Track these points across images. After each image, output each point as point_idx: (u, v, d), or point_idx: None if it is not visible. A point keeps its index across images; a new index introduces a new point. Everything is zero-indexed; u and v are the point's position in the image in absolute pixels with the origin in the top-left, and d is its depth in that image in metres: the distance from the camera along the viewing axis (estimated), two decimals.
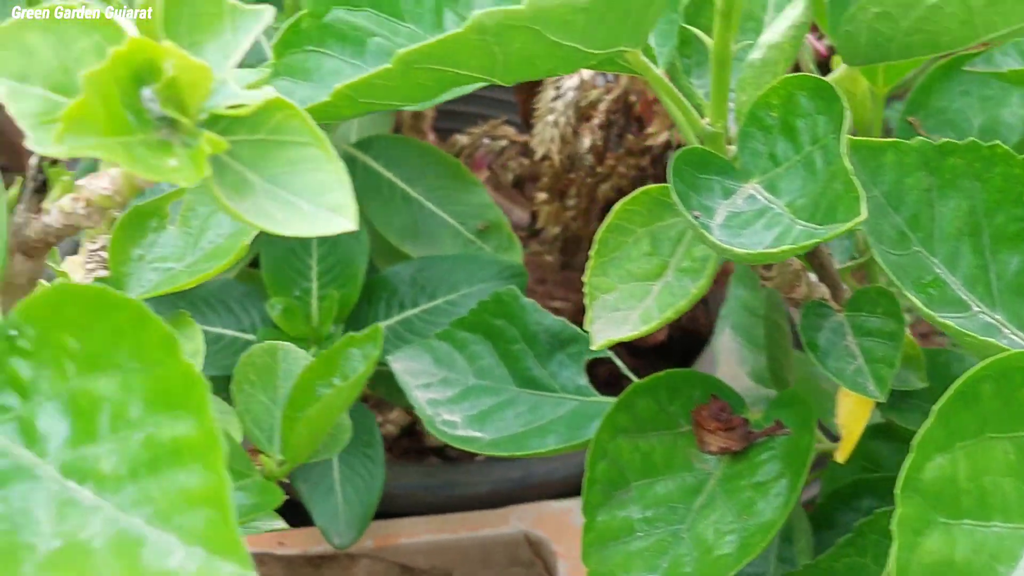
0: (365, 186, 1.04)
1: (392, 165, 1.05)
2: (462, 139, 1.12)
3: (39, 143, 0.44)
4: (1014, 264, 0.60)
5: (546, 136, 0.97)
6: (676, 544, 0.72)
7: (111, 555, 0.42)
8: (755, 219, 0.62)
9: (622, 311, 0.67)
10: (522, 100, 1.13)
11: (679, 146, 1.00)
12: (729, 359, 0.98)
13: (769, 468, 0.73)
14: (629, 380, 0.83)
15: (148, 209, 0.69)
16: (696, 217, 0.61)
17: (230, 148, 0.47)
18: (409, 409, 1.19)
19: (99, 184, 0.49)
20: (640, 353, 1.23)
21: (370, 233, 1.05)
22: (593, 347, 0.66)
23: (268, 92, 0.46)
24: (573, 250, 1.14)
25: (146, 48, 0.45)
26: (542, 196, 1.06)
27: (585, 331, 0.89)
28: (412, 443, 1.22)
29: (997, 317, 0.60)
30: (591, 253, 0.68)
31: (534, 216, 1.18)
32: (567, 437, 0.86)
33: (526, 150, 1.12)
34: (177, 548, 0.42)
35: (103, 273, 0.67)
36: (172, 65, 0.44)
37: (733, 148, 0.67)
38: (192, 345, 0.62)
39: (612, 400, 0.82)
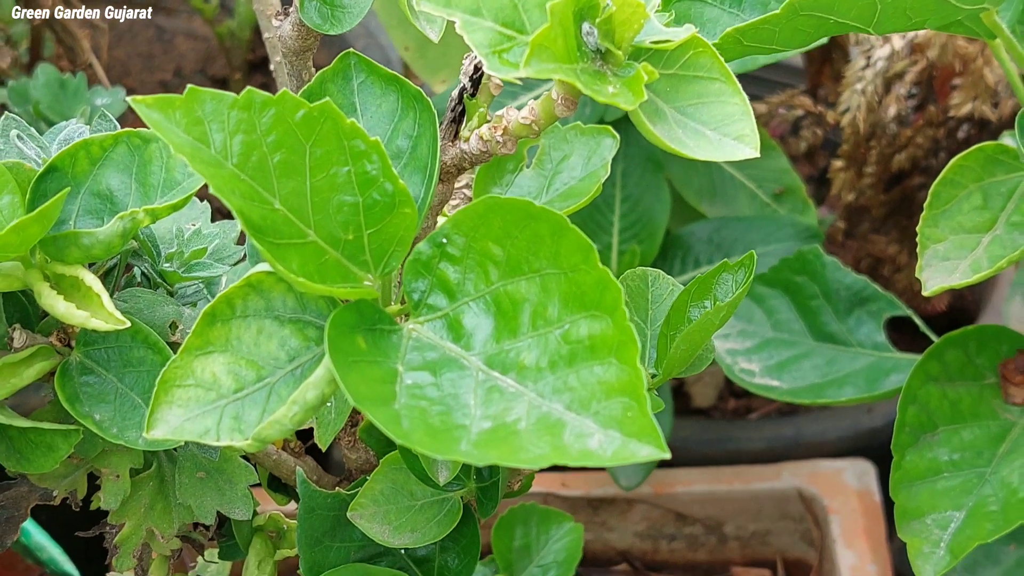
0: None
1: None
2: (759, 108, 1.14)
3: (492, 69, 0.48)
4: None
5: (853, 103, 0.98)
6: (981, 485, 0.73)
7: (536, 435, 0.45)
8: None
9: (952, 260, 0.68)
10: (813, 71, 1.14)
11: (980, 119, 1.01)
12: (1020, 325, 0.98)
13: None
14: (922, 343, 0.84)
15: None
16: None
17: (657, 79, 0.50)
18: None
19: (519, 114, 0.53)
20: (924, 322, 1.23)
21: (670, 194, 1.08)
22: (925, 292, 0.67)
23: (689, 29, 0.49)
24: (857, 220, 1.15)
25: None
26: (838, 164, 1.07)
27: (886, 291, 0.91)
28: (680, 404, 1.25)
29: None
30: (924, 205, 0.69)
31: (818, 187, 1.19)
32: (865, 389, 0.88)
33: (820, 121, 1.13)
34: (595, 431, 0.45)
35: None
36: (612, 2, 0.47)
37: None
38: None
39: (912, 356, 0.84)
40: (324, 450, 0.60)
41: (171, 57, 1.49)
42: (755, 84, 1.20)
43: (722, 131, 0.50)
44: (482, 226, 0.49)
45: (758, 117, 1.15)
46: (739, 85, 0.50)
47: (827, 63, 1.12)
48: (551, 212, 0.48)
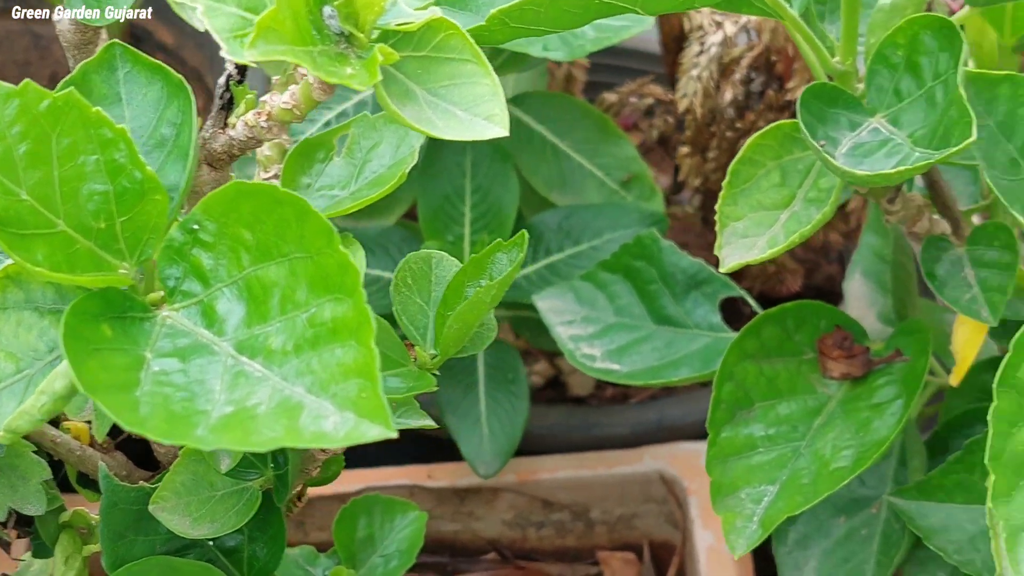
0: (517, 139, 1.07)
1: (543, 120, 1.08)
2: (610, 97, 1.15)
3: (232, 54, 0.48)
4: None
5: (689, 90, 0.99)
6: (795, 459, 0.74)
7: (273, 419, 0.45)
8: (877, 149, 0.64)
9: (750, 237, 0.69)
10: (669, 59, 1.15)
11: None
12: (859, 302, 0.99)
13: (886, 391, 0.75)
14: None
15: (317, 142, 0.72)
16: (821, 146, 0.63)
17: (398, 61, 0.50)
18: (553, 357, 1.22)
19: (280, 99, 0.53)
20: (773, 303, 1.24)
21: (520, 183, 1.08)
22: (722, 269, 0.68)
23: (433, 11, 0.49)
24: (711, 205, 1.16)
25: None
26: (684, 150, 1.08)
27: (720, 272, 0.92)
28: (557, 394, 1.25)
29: None
30: (723, 184, 0.70)
31: (676, 176, 1.20)
32: (699, 368, 0.89)
33: (672, 109, 1.14)
34: (332, 413, 0.45)
35: None
36: None
37: (861, 86, 0.68)
38: (356, 261, 0.65)
39: None
40: (100, 440, 0.60)
41: (47, 63, 1.48)
42: (614, 73, 1.20)
43: (473, 111, 0.50)
44: (232, 211, 0.49)
45: (609, 106, 1.16)
46: (490, 67, 0.50)
47: (682, 50, 1.13)
48: (295, 197, 0.48)
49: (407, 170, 0.70)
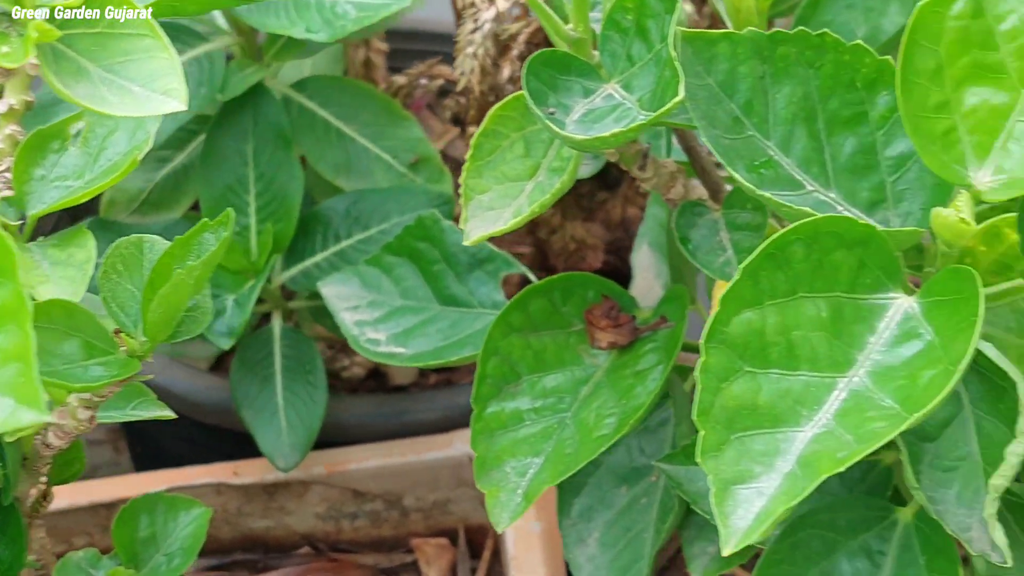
0: (300, 125, 1.05)
1: (327, 104, 1.06)
2: (399, 79, 1.13)
3: None
4: (848, 146, 0.61)
5: (466, 67, 0.98)
6: (561, 429, 0.73)
7: None
8: (608, 114, 0.63)
9: (496, 210, 0.68)
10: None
11: None
12: (647, 273, 0.99)
13: (650, 358, 0.74)
14: None
15: (50, 132, 0.70)
16: (551, 113, 0.63)
17: (70, 38, 0.49)
18: None
19: None
20: None
21: (307, 170, 1.07)
22: (466, 242, 0.67)
23: None
24: None
25: None
26: (471, 129, 1.07)
27: (502, 251, 0.91)
28: (378, 384, 1.24)
29: (831, 195, 0.61)
30: (467, 157, 0.69)
31: None
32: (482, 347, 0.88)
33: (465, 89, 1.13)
34: None
35: (8, 193, 0.69)
36: None
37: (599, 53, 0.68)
38: (84, 253, 0.64)
39: None
40: None
41: None
42: (400, 57, 1.19)
43: (150, 87, 0.49)
44: None
45: (398, 89, 1.15)
46: (167, 40, 0.49)
47: None
48: None
49: (140, 156, 0.68)
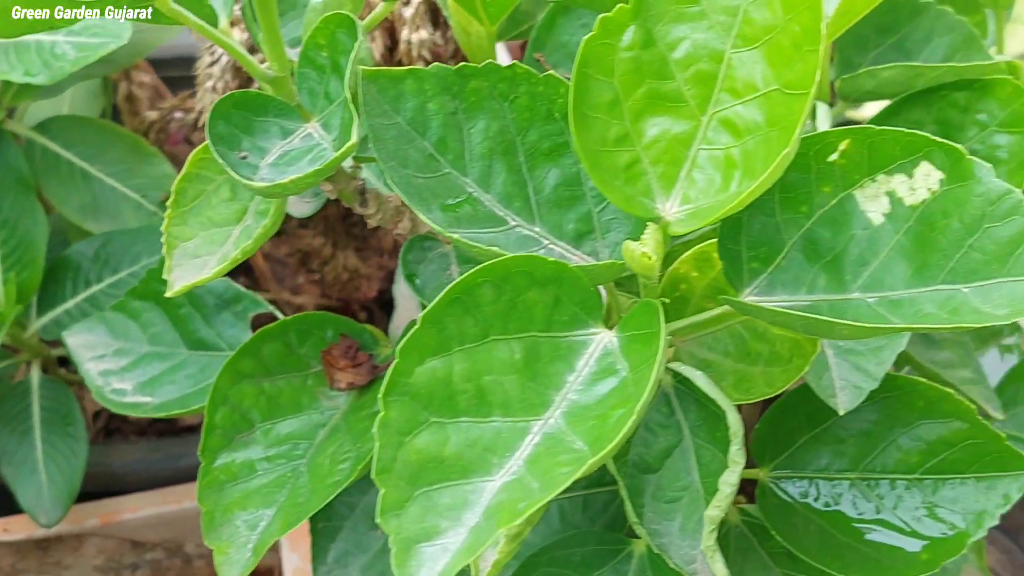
0: (44, 167, 1.01)
1: (70, 145, 1.02)
2: (151, 115, 1.10)
3: None
4: (552, 178, 0.60)
5: (206, 102, 0.95)
6: (296, 477, 0.71)
7: None
8: (304, 155, 0.61)
9: (202, 257, 0.65)
10: None
11: None
12: (408, 303, 0.97)
13: None
14: None
15: None
16: (243, 157, 0.60)
17: None
18: None
19: None
20: (351, 311, 1.22)
21: (59, 214, 1.03)
22: (168, 294, 0.64)
23: None
24: (287, 216, 1.12)
25: None
26: None
27: (249, 291, 0.88)
28: (168, 426, 1.20)
29: (536, 229, 0.59)
30: (168, 203, 0.66)
31: None
32: None
33: None
34: None
35: None
36: None
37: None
38: None
39: None
40: None
41: None
42: (182, 85, 1.15)
43: None
44: None
45: (151, 124, 1.11)
46: None
47: None
48: None
49: None
